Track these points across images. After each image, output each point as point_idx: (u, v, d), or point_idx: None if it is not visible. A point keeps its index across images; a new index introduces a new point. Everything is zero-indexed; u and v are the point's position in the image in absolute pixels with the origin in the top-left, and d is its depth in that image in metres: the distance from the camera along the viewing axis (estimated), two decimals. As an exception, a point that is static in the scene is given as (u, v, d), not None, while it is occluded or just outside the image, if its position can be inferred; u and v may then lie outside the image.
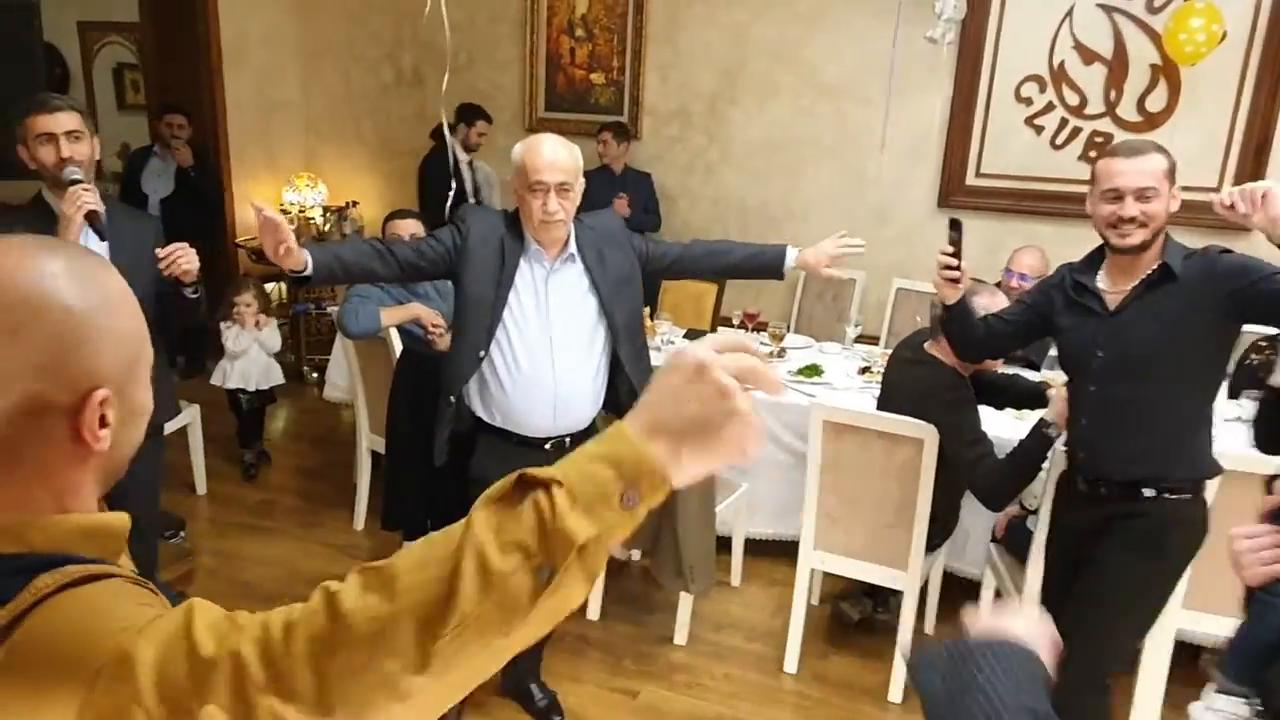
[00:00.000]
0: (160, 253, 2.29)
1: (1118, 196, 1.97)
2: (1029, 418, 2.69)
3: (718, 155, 5.28)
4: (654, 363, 2.61)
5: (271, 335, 4.20)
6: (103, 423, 0.76)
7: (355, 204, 5.87)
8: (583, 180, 2.28)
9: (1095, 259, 2.15)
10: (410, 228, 3.37)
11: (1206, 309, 1.95)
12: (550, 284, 2.31)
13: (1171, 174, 2.01)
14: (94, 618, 0.67)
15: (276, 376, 4.24)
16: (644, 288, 2.53)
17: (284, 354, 6.00)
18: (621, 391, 2.42)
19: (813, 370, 3.61)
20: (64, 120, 2.23)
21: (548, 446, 2.34)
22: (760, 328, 4.38)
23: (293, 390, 5.61)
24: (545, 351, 2.29)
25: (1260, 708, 1.54)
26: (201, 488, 4.05)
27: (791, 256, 2.52)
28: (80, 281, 0.76)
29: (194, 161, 5.05)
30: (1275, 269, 1.88)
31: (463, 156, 5.25)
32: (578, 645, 3.05)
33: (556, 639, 3.03)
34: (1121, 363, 2.04)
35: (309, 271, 2.11)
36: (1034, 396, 2.76)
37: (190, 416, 3.94)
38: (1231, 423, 3.18)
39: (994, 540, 2.97)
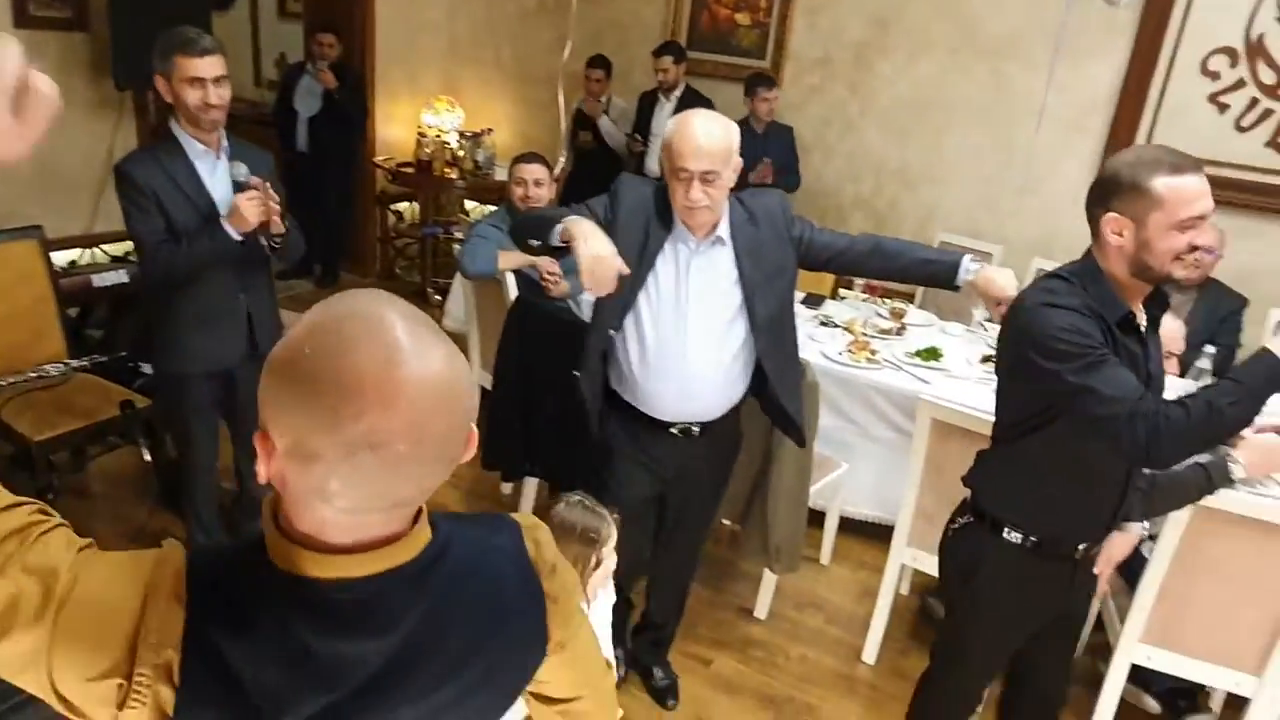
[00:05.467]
0: (251, 194, 2.38)
1: (1197, 224, 1.62)
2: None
3: (858, 109, 5.03)
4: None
5: None
6: None
7: (490, 130, 5.92)
8: (737, 161, 2.09)
9: (1110, 292, 1.72)
10: (535, 173, 3.36)
11: None
12: (693, 266, 2.15)
13: None
14: None
15: None
16: None
17: (409, 273, 6.24)
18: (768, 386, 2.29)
19: (931, 354, 3.45)
20: (213, 65, 2.31)
21: (674, 430, 2.26)
22: (885, 297, 4.22)
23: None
24: (677, 336, 2.16)
25: None
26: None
27: (969, 270, 2.16)
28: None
29: (337, 83, 5.17)
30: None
31: (604, 126, 5.31)
32: (658, 604, 3.09)
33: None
34: None
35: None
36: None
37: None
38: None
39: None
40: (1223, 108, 4.17)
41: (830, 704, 2.73)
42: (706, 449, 2.33)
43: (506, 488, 3.68)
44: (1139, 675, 2.58)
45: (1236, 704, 2.53)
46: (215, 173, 2.45)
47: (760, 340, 2.21)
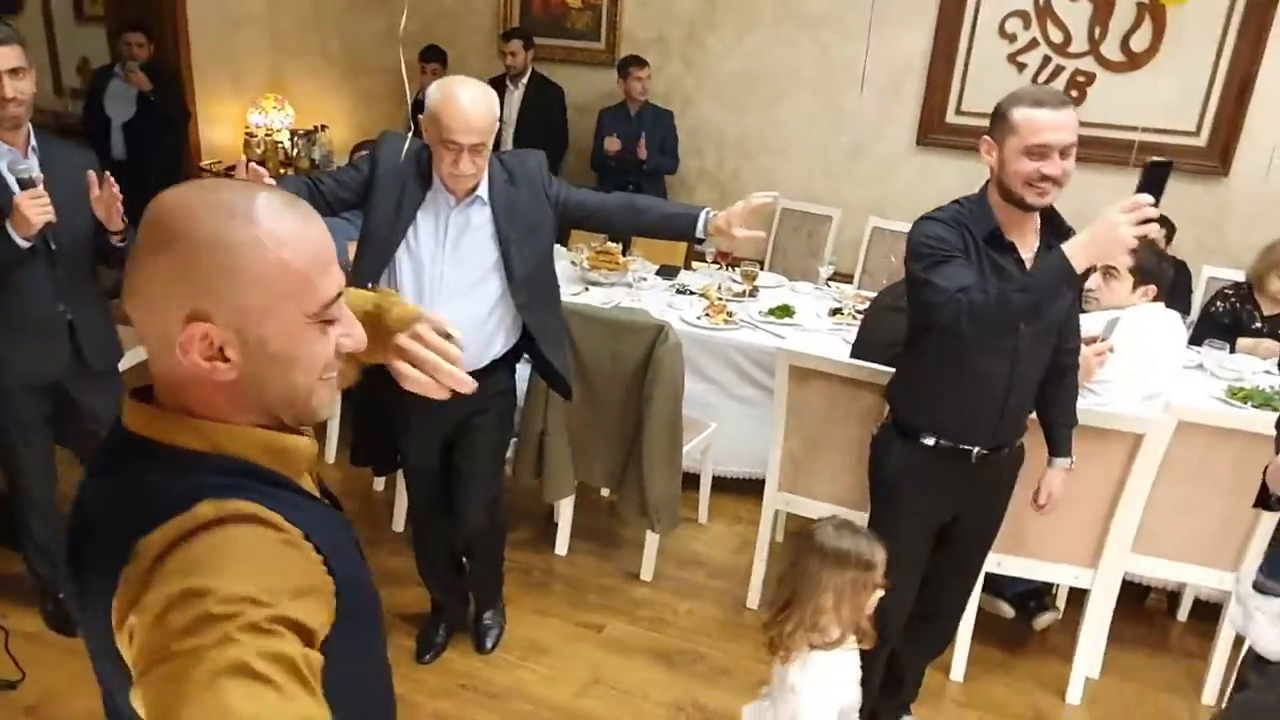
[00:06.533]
0: (96, 192, 2.24)
1: (1044, 153, 1.83)
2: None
3: (695, 84, 5.17)
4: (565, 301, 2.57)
5: None
6: (216, 356, 0.82)
7: (324, 127, 5.72)
8: (497, 125, 2.18)
9: (986, 211, 1.95)
10: (377, 159, 3.29)
11: None
12: (452, 223, 2.24)
13: None
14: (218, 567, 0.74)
15: None
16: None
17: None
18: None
19: (784, 311, 3.61)
20: (7, 56, 2.14)
21: None
22: (735, 264, 4.36)
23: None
24: (432, 290, 2.23)
25: None
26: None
27: (705, 221, 2.30)
28: (235, 218, 0.81)
29: (152, 85, 4.86)
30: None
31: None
32: (544, 579, 3.11)
33: (523, 572, 3.10)
34: (1043, 330, 2.00)
35: None
36: None
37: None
38: (1191, 370, 3.23)
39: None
40: (1021, 66, 4.54)
41: (719, 650, 2.82)
42: (476, 397, 2.36)
43: (379, 483, 3.59)
44: (992, 584, 2.81)
45: (1077, 600, 2.80)
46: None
47: (519, 295, 2.31)
